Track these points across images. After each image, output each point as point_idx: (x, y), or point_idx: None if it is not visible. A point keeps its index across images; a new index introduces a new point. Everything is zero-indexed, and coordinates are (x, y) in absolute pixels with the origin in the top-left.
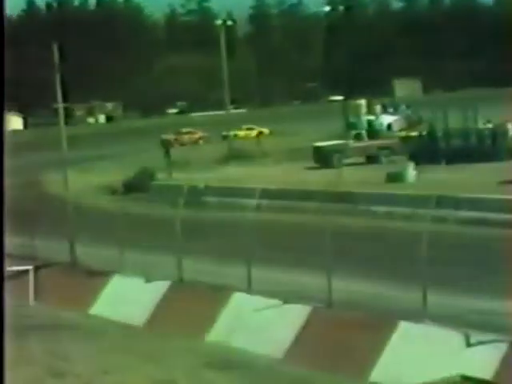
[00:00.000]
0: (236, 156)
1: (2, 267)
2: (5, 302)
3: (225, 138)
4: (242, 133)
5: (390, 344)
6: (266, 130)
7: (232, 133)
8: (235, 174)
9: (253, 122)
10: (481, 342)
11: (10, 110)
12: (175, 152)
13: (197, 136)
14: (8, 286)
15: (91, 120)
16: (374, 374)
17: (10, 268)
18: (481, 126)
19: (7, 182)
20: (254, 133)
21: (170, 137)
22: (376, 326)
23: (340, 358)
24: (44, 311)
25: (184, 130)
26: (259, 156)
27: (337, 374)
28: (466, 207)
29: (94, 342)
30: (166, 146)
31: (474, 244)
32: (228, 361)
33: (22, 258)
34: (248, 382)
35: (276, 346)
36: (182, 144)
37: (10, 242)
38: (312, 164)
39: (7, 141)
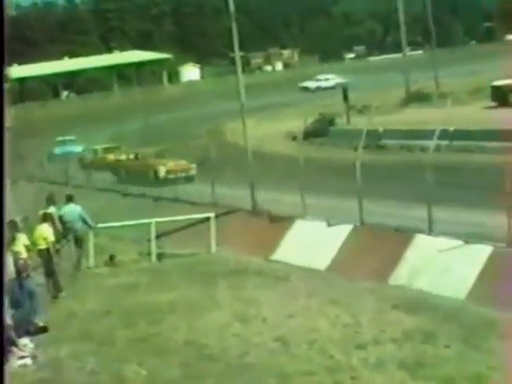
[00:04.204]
0: (415, 98)
1: (2, 267)
2: (4, 301)
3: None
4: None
5: None
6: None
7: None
8: (414, 116)
9: (431, 64)
10: None
11: (186, 61)
12: (353, 97)
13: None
14: (190, 233)
15: (268, 68)
16: None
17: (192, 216)
18: None
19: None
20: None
21: None
22: None
23: None
24: (226, 257)
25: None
26: (438, 97)
27: None
28: None
29: (278, 287)
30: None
31: None
32: (413, 303)
33: (203, 206)
34: (435, 323)
35: (459, 287)
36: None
37: (197, 190)
38: (490, 104)
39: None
